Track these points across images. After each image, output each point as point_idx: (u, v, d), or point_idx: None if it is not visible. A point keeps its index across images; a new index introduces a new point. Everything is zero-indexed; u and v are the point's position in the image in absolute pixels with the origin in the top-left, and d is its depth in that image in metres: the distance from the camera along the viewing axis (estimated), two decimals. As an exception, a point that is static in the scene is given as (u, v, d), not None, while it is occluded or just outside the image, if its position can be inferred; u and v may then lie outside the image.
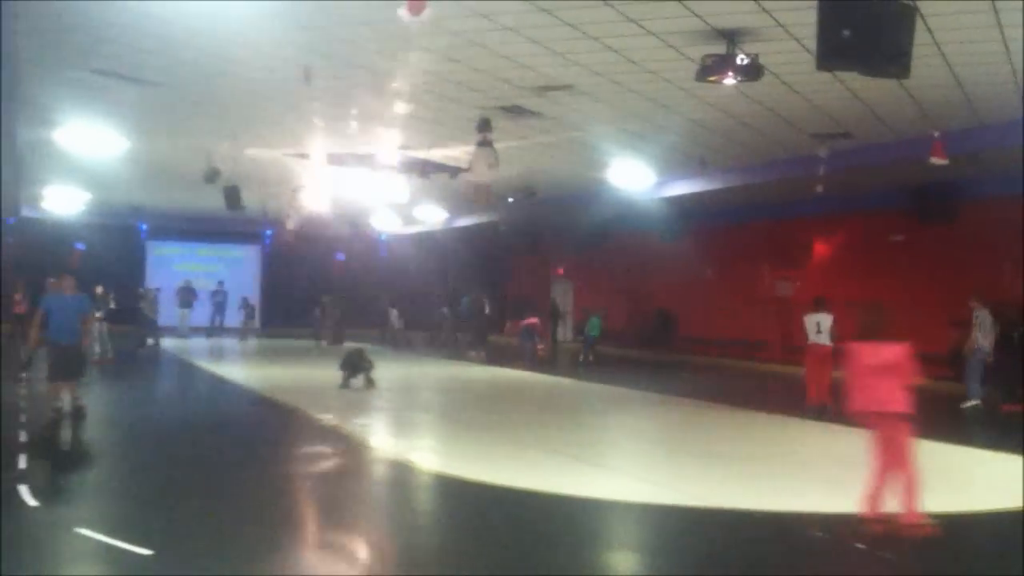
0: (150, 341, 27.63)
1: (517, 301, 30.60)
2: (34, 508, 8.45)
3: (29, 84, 14.41)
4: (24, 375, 16.93)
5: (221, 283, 35.12)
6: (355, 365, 18.08)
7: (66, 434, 12.67)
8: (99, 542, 7.28)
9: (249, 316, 35.23)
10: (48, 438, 12.28)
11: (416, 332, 34.67)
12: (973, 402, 17.05)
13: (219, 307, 34.87)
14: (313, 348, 31.04)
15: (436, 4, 9.60)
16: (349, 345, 29.63)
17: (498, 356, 27.96)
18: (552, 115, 15.84)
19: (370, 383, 17.96)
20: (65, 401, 13.33)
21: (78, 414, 13.38)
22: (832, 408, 14.04)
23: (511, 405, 17.72)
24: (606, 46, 11.87)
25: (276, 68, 13.13)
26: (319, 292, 34.81)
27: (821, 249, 25.52)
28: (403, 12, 9.17)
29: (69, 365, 13.12)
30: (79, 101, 15.74)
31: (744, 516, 8.59)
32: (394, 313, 33.97)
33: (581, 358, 27.14)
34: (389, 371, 18.73)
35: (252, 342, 33.15)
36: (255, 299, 38.69)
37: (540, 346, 27.59)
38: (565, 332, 35.63)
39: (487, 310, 32.77)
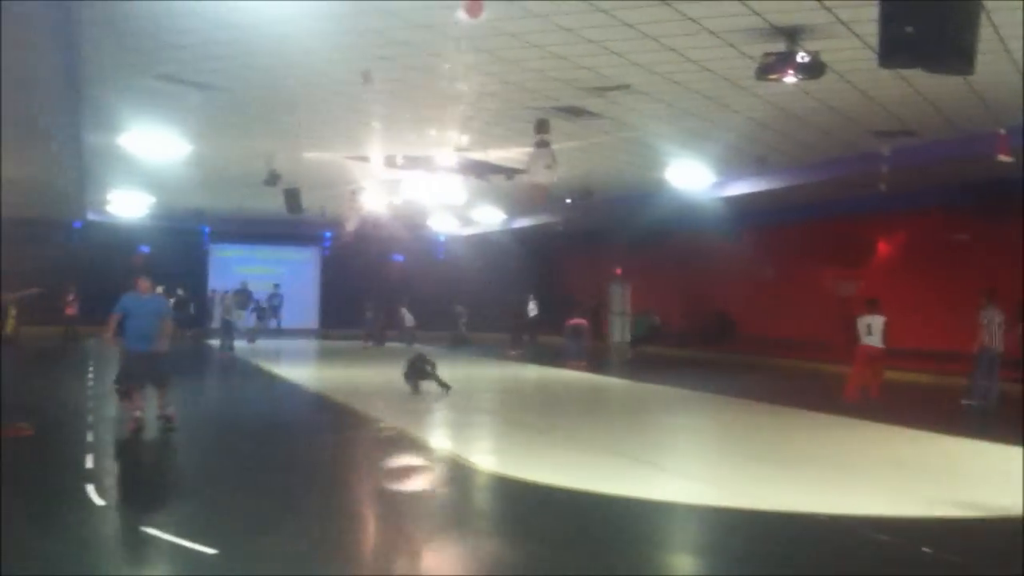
0: (229, 345, 27.82)
1: (568, 302, 30.51)
2: (101, 507, 8.61)
3: (95, 90, 14.68)
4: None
5: (277, 286, 35.47)
6: (419, 370, 17.63)
7: (146, 442, 12.35)
8: (165, 541, 7.39)
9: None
10: (128, 448, 11.99)
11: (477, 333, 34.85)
12: (969, 401, 16.39)
13: (275, 310, 35.19)
14: (360, 349, 31.32)
15: (493, 6, 9.62)
16: (392, 346, 29.87)
17: (549, 356, 27.90)
18: (610, 115, 15.80)
19: (443, 387, 17.47)
20: (144, 409, 12.75)
21: (167, 424, 12.72)
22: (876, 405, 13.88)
23: (565, 405, 17.73)
24: (664, 45, 11.80)
25: (336, 72, 13.25)
26: (376, 293, 35.10)
27: (883, 248, 25.17)
28: (461, 14, 9.21)
29: (149, 372, 12.58)
30: (143, 106, 15.98)
31: (805, 519, 8.50)
32: (461, 310, 34.10)
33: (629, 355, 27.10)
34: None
35: (260, 343, 32.80)
36: (314, 300, 39.16)
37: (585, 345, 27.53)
38: (623, 332, 35.53)
39: (535, 311, 32.86)
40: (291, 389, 19.67)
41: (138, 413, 12.60)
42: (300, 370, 24.18)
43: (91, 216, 33.90)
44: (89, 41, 11.93)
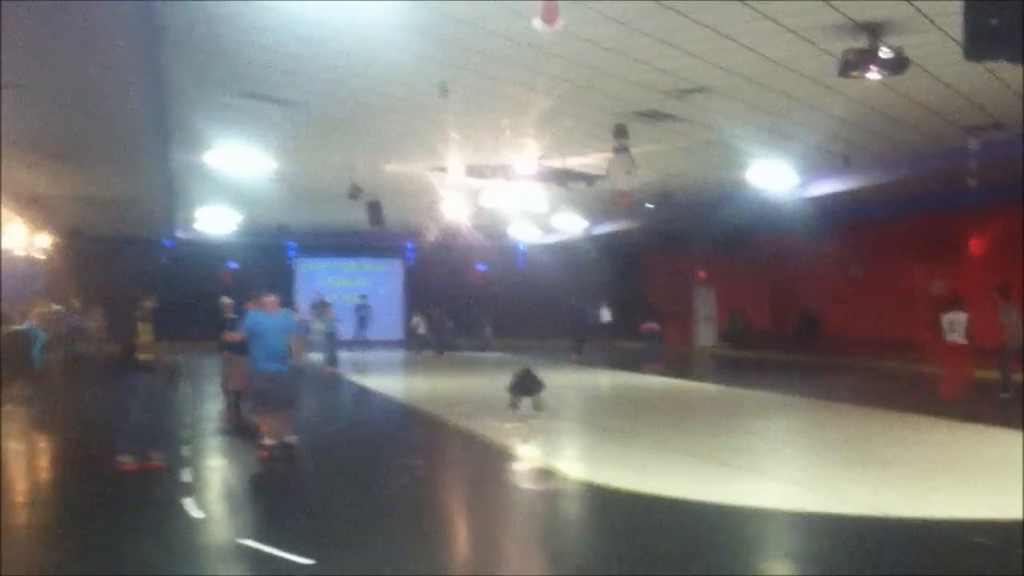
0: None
1: (646, 306, 30.32)
2: (199, 520, 8.78)
3: (181, 109, 15.03)
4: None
5: (364, 297, 35.37)
6: (524, 386, 16.35)
7: (277, 473, 11.54)
8: (262, 552, 7.52)
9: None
10: (261, 480, 11.19)
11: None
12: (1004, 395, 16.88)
13: (362, 321, 35.01)
14: (430, 358, 31.51)
15: (570, 12, 9.62)
16: (487, 355, 29.96)
17: (626, 361, 27.74)
18: (689, 118, 15.70)
19: (539, 405, 16.14)
20: (278, 436, 11.72)
21: (287, 453, 11.69)
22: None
23: (651, 411, 17.61)
24: (743, 45, 11.70)
25: (415, 84, 13.38)
26: (461, 303, 35.30)
27: (973, 244, 24.58)
28: (537, 22, 9.22)
29: (281, 395, 11.70)
30: (228, 124, 16.32)
31: (900, 523, 8.34)
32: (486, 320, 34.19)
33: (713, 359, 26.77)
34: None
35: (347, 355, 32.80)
36: (398, 311, 39.49)
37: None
38: (709, 337, 35.28)
39: (607, 317, 32.77)
40: (385, 402, 19.75)
41: (270, 440, 11.63)
42: (389, 381, 24.36)
43: (180, 234, 34.70)
44: (175, 61, 12.22)
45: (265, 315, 11.78)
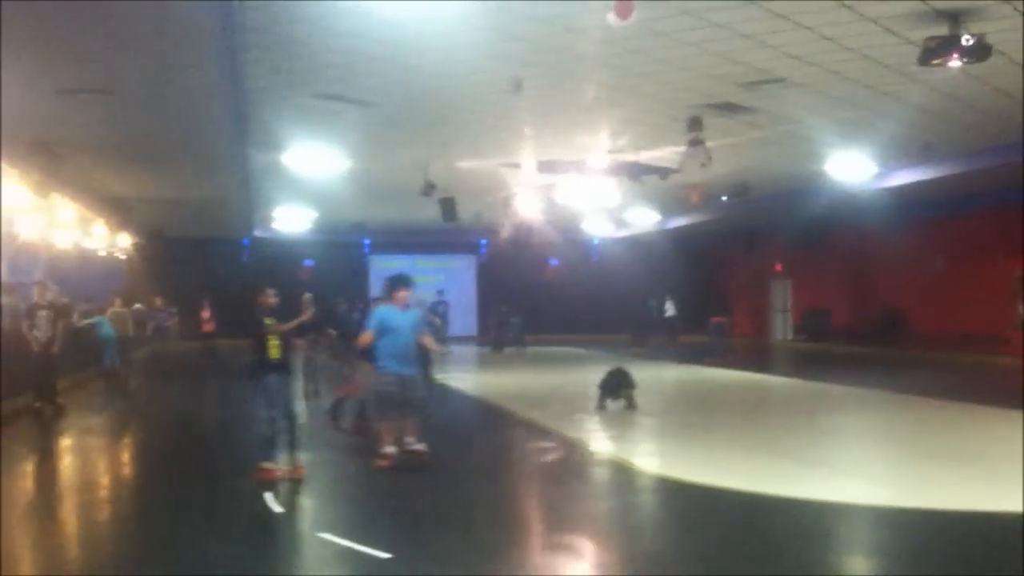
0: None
1: (715, 300, 30.01)
2: (279, 514, 8.91)
3: (258, 111, 15.26)
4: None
5: (441, 292, 34.96)
6: (615, 387, 15.44)
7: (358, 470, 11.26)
8: (340, 546, 7.60)
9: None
10: (342, 476, 11.11)
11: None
12: None
13: (441, 317, 34.51)
14: (495, 355, 31.51)
15: (644, 6, 9.58)
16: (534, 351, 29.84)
17: (693, 355, 27.50)
18: (765, 109, 15.51)
19: (630, 405, 15.23)
20: (399, 443, 10.83)
21: (415, 461, 10.68)
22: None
23: (727, 405, 17.42)
24: (820, 35, 11.53)
25: (488, 81, 13.42)
26: (531, 298, 35.25)
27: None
28: (611, 17, 9.20)
29: (409, 398, 10.71)
30: (304, 124, 16.53)
31: (983, 518, 8.17)
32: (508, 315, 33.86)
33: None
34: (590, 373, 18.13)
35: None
36: (472, 307, 39.58)
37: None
38: (786, 330, 34.86)
39: (671, 311, 32.59)
40: (464, 399, 19.76)
41: (392, 449, 10.70)
42: (467, 377, 24.43)
43: (257, 233, 35.24)
44: (252, 64, 12.41)
45: (396, 312, 10.70)
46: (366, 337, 10.69)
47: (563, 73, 13.11)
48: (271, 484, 9.72)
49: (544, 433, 13.65)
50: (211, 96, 13.55)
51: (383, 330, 10.57)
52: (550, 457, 12.08)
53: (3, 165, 15.79)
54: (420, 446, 10.87)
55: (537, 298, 37.23)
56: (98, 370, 21.64)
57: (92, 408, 18.23)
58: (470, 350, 34.16)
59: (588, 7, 10.07)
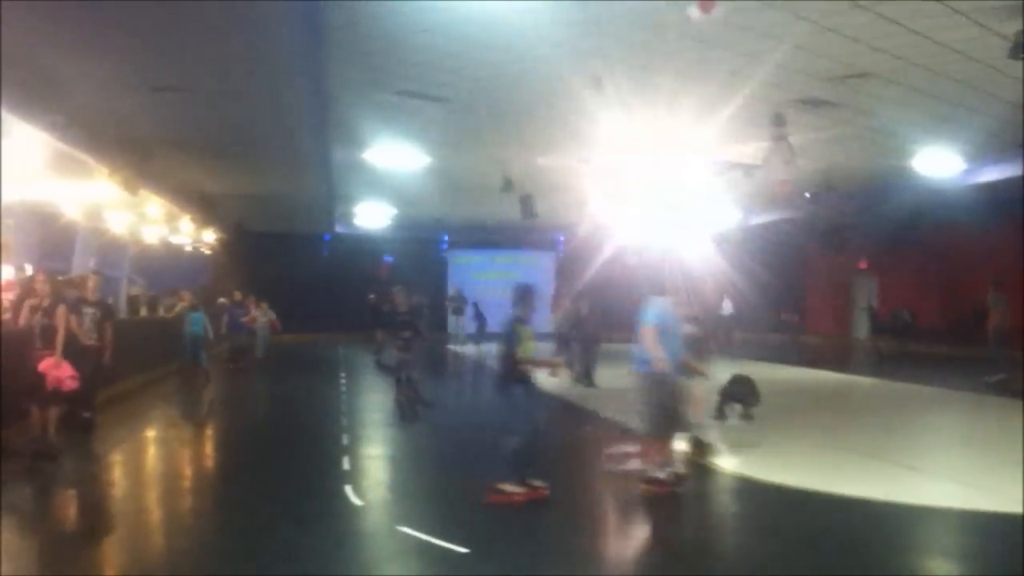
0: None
1: (792, 299, 29.54)
2: (359, 507, 8.98)
3: (340, 109, 15.40)
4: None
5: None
6: (740, 394, 13.97)
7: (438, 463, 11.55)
8: (419, 540, 7.63)
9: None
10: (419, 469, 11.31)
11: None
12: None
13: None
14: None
15: (727, 1, 9.45)
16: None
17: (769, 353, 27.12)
18: (851, 104, 15.21)
19: (747, 417, 13.77)
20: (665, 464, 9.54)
21: (678, 484, 9.49)
22: None
23: (810, 406, 17.11)
24: (908, 29, 11.26)
25: (570, 78, 13.34)
26: (611, 295, 34.98)
27: None
28: (694, 11, 9.09)
29: (683, 411, 9.71)
30: (384, 122, 16.65)
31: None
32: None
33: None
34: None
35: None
36: (550, 304, 39.48)
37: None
38: (868, 329, 34.21)
39: (729, 310, 32.69)
40: (550, 400, 19.62)
41: (664, 473, 9.37)
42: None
43: (338, 229, 35.64)
44: (335, 63, 12.53)
45: (667, 311, 9.53)
46: (650, 334, 9.14)
47: (645, 69, 13.00)
48: (512, 508, 8.91)
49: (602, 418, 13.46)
50: (294, 93, 13.75)
51: (662, 331, 9.24)
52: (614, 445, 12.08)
53: (94, 162, 16.15)
54: (679, 469, 9.64)
55: (615, 295, 36.94)
56: (181, 366, 21.03)
57: (160, 419, 16.27)
58: (547, 347, 33.93)
59: (674, 3, 9.95)
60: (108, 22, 10.29)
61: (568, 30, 11.27)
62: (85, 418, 12.98)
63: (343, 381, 20.85)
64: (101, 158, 16.03)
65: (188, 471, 11.95)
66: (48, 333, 11.41)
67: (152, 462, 12.54)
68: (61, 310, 11.61)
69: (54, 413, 11.30)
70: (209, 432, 15.39)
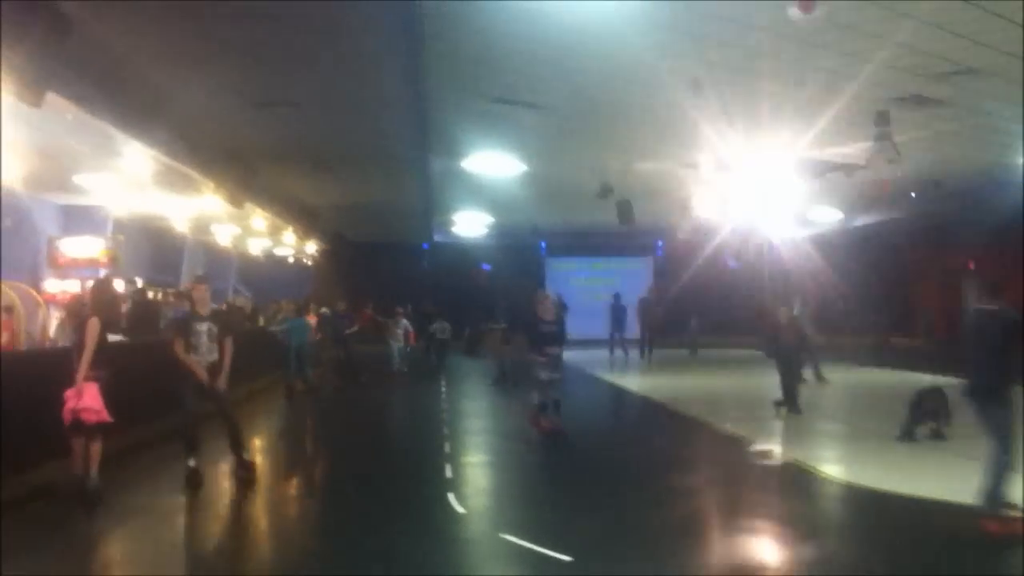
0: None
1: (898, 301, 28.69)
2: (462, 515, 9.04)
3: (437, 118, 15.55)
4: None
5: (617, 296, 34.25)
6: (933, 412, 12.74)
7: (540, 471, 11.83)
8: (522, 547, 7.66)
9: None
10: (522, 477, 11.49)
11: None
12: None
13: (618, 321, 32.72)
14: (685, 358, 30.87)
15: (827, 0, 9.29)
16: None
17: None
18: (956, 101, 14.79)
19: (939, 436, 12.56)
20: None
21: None
22: None
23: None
24: (1014, 22, 10.91)
25: (667, 82, 13.26)
26: (709, 299, 34.69)
27: None
28: (794, 11, 8.96)
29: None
30: (482, 130, 16.76)
31: None
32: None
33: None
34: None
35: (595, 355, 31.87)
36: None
37: None
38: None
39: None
40: (654, 409, 19.49)
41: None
42: (653, 383, 24.16)
43: (437, 238, 35.97)
44: (433, 74, 12.66)
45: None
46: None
47: (744, 71, 12.85)
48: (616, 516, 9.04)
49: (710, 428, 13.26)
50: (393, 106, 13.96)
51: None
52: (715, 453, 11.85)
53: (200, 176, 16.61)
54: None
55: (714, 300, 36.58)
56: (286, 382, 20.10)
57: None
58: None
59: (773, 4, 9.82)
60: (214, 40, 10.59)
61: (667, 35, 11.20)
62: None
63: (452, 396, 20.75)
64: (207, 173, 16.48)
65: (289, 489, 12.16)
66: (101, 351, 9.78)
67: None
68: (92, 324, 9.87)
69: (95, 449, 9.65)
70: (308, 457, 14.46)
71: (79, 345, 9.75)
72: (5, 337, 15.84)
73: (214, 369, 10.60)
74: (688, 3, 10.23)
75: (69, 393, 9.60)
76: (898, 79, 13.42)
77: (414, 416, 17.77)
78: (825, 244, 34.61)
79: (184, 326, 10.78)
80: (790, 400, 15.80)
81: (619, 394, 21.41)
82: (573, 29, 11.02)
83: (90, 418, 9.56)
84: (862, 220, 30.87)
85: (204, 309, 10.91)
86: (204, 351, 10.59)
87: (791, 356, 16.30)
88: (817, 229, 32.65)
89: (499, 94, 14.25)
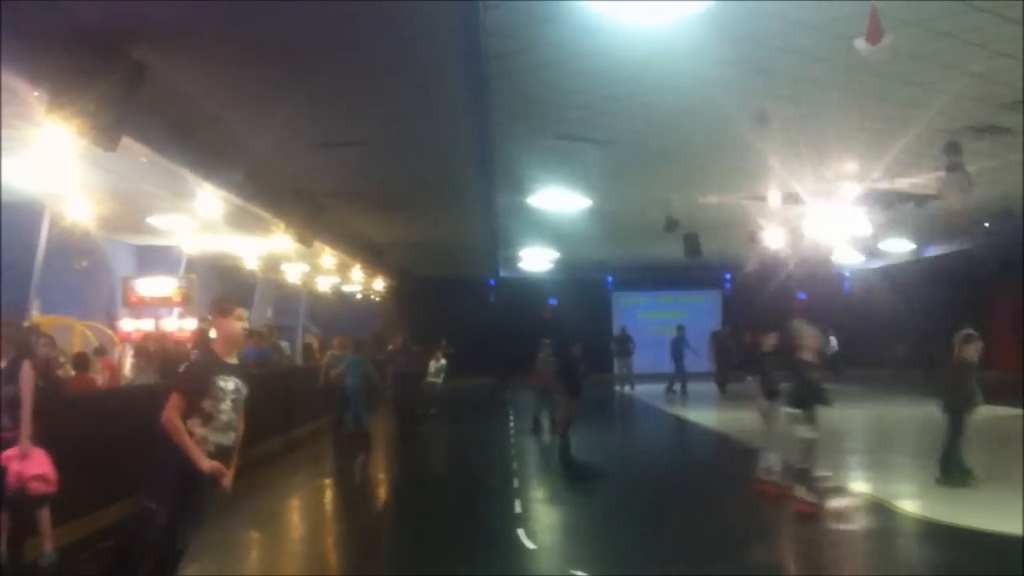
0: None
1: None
2: (532, 551, 8.99)
3: (502, 155, 15.61)
4: None
5: (681, 328, 32.77)
6: None
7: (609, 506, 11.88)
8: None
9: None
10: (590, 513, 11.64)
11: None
12: None
13: (676, 354, 31.70)
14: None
15: (894, 29, 9.17)
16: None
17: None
18: (1029, 131, 14.52)
19: None
20: None
21: None
22: None
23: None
24: (1090, 50, 10.70)
25: (732, 116, 13.18)
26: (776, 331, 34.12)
27: None
28: (861, 44, 8.86)
29: None
30: (545, 166, 16.79)
31: None
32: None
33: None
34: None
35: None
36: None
37: None
38: None
39: (835, 347, 31.44)
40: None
41: None
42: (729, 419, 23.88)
43: (502, 273, 36.08)
44: (497, 111, 12.73)
45: None
46: None
47: (812, 104, 12.74)
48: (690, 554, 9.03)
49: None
50: (459, 144, 14.05)
51: None
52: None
53: (269, 216, 16.86)
54: None
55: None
56: (336, 428, 18.53)
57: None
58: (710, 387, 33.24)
59: (839, 35, 9.73)
60: (282, 84, 10.77)
61: (733, 69, 11.15)
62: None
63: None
64: (276, 212, 16.72)
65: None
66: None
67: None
68: (26, 369, 8.75)
69: (45, 521, 8.77)
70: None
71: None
72: (103, 377, 16.05)
73: (226, 457, 6.81)
74: (755, 38, 10.17)
75: (9, 453, 8.55)
76: (970, 108, 13.23)
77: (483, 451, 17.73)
78: (896, 275, 34.11)
79: (199, 380, 6.78)
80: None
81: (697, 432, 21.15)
82: (639, 65, 11.02)
83: (38, 489, 8.60)
84: (935, 251, 30.36)
85: (232, 353, 7.15)
86: (222, 424, 6.76)
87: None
88: (888, 260, 32.21)
89: (564, 131, 14.28)
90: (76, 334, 18.69)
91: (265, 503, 12.31)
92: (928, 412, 13.59)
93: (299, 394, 19.75)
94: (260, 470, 14.38)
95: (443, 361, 25.09)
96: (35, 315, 17.24)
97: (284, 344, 25.51)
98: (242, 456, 7.11)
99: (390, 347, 23.53)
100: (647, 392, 29.96)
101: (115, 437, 10.44)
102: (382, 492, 14.25)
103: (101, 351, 17.46)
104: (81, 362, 13.21)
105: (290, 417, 18.96)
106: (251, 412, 7.05)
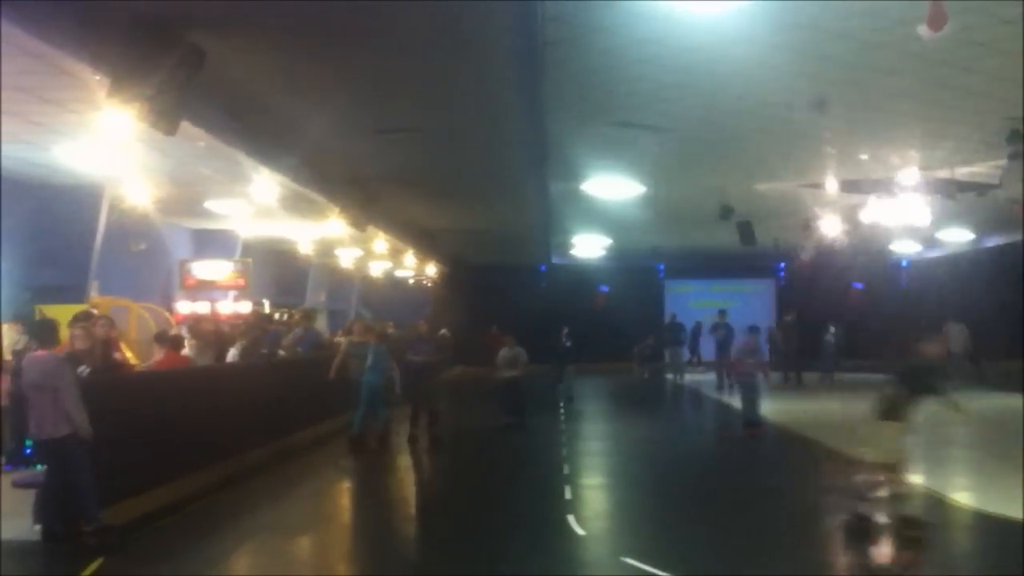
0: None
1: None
2: (582, 537, 9.01)
3: (556, 142, 15.59)
4: None
5: (723, 313, 30.35)
6: None
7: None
8: (643, 571, 7.59)
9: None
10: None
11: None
12: None
13: (721, 343, 29.27)
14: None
15: (957, 17, 9.02)
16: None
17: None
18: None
19: None
20: None
21: None
22: None
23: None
24: None
25: (788, 103, 13.07)
26: (834, 323, 33.66)
27: None
28: (923, 30, 8.72)
29: None
30: (600, 153, 16.73)
31: None
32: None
33: None
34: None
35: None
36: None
37: None
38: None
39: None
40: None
41: None
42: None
43: (555, 260, 36.03)
44: (552, 98, 12.71)
45: None
46: None
47: (870, 90, 12.57)
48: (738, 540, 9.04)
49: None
50: (514, 131, 14.06)
51: None
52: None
53: (324, 201, 17.01)
54: None
55: (841, 323, 35.56)
56: (352, 430, 15.58)
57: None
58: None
59: (899, 21, 9.60)
60: (338, 70, 10.86)
61: (789, 55, 11.02)
62: None
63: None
64: (331, 198, 16.85)
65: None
66: None
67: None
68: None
69: None
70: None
71: None
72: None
73: None
74: (812, 24, 10.05)
75: None
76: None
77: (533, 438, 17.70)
78: (955, 265, 33.50)
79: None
80: None
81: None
82: (694, 51, 10.93)
83: None
84: (995, 240, 29.79)
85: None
86: None
87: None
88: (946, 249, 31.70)
89: (620, 117, 14.22)
90: (133, 316, 18.96)
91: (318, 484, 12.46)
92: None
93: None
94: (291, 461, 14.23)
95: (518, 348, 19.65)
96: (94, 296, 17.57)
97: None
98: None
99: (390, 330, 21.15)
100: (704, 382, 29.48)
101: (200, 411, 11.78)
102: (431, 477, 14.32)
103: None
104: (176, 342, 12.97)
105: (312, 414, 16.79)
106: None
